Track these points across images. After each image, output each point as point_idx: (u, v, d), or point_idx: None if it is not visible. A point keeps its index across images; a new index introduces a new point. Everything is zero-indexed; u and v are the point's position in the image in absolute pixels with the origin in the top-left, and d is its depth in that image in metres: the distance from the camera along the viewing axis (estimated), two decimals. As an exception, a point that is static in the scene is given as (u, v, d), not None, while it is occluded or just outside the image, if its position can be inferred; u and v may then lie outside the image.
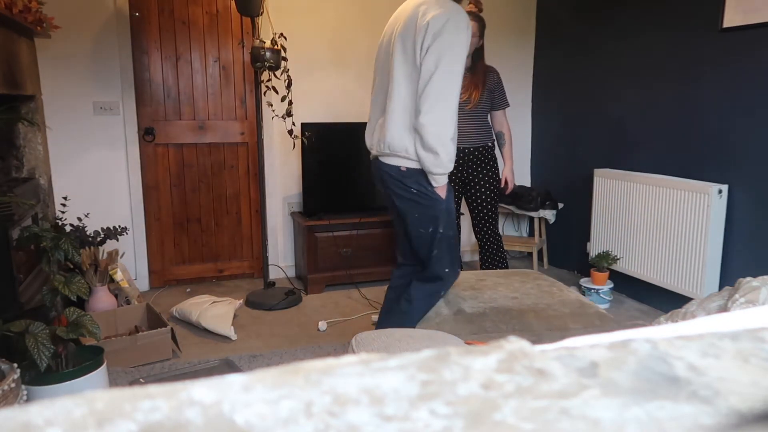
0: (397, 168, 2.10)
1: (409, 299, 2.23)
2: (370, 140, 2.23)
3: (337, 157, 3.75)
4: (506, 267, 3.29)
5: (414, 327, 2.20)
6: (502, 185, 3.30)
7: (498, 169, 3.25)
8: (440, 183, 2.06)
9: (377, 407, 0.27)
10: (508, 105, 3.26)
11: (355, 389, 0.28)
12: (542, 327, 2.14)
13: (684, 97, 3.12)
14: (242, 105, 3.84)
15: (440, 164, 2.00)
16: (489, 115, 3.22)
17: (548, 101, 4.29)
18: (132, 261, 3.66)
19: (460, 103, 3.03)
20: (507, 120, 3.27)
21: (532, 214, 3.99)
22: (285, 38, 3.25)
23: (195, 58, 3.69)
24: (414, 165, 2.06)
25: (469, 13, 3.02)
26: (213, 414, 0.26)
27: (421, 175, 2.06)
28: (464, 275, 2.61)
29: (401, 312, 2.24)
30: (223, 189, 3.87)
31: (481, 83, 3.11)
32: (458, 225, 3.30)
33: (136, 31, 3.54)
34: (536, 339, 2.03)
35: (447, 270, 2.21)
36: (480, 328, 2.13)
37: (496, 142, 3.27)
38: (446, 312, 2.22)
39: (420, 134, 1.99)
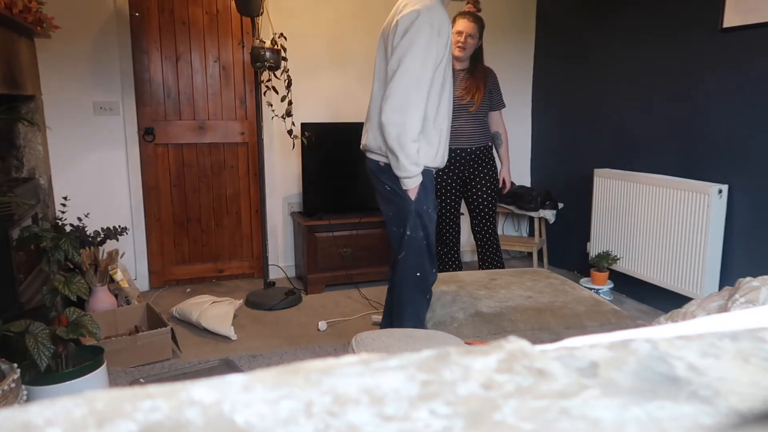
0: (377, 163, 2.10)
1: (398, 317, 2.18)
2: (362, 136, 2.24)
3: (337, 157, 3.75)
4: (503, 267, 3.29)
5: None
6: (500, 185, 3.30)
7: (496, 170, 3.25)
8: (407, 186, 2.01)
9: (377, 407, 0.27)
10: (504, 105, 3.26)
11: (355, 389, 0.28)
12: (560, 325, 2.14)
13: (684, 97, 3.12)
14: (242, 105, 3.84)
15: (401, 168, 1.95)
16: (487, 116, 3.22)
17: (548, 101, 4.29)
18: (132, 261, 3.66)
19: (463, 105, 3.05)
20: (503, 120, 3.28)
21: (532, 214, 3.99)
22: (285, 38, 3.26)
23: (195, 58, 3.69)
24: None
25: (468, 13, 3.02)
26: (213, 414, 0.26)
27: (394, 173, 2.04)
28: (476, 274, 2.62)
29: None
30: (223, 189, 3.87)
31: (482, 84, 3.11)
32: (458, 225, 3.30)
33: (136, 31, 3.54)
34: (555, 337, 2.02)
35: (418, 274, 2.13)
36: (499, 328, 2.12)
37: (492, 143, 3.27)
38: (462, 316, 2.21)
39: (382, 135, 1.96)
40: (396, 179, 2.03)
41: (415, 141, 1.93)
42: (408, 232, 2.08)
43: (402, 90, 1.89)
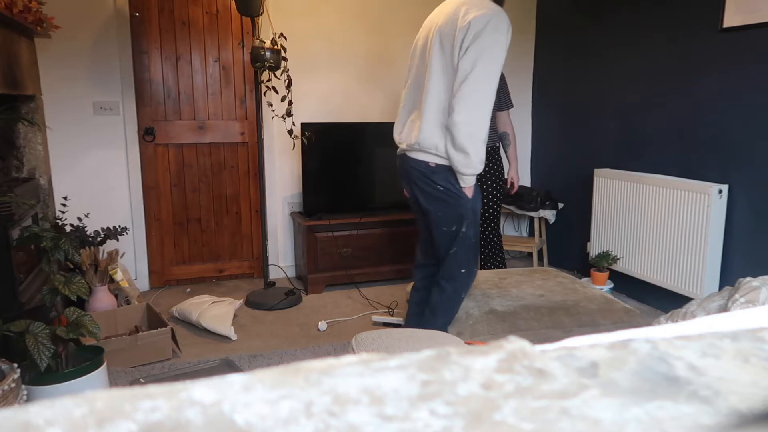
0: (426, 164, 2.08)
1: (432, 309, 2.21)
2: (399, 135, 2.22)
3: (337, 157, 3.76)
4: (505, 267, 3.29)
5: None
6: (508, 185, 3.30)
7: (503, 170, 3.25)
8: (468, 183, 2.05)
9: (377, 407, 0.27)
10: (512, 105, 3.26)
11: (355, 389, 0.28)
12: (573, 324, 2.15)
13: (684, 97, 3.12)
14: (242, 105, 3.84)
15: (470, 164, 1.98)
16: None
17: (548, 101, 4.29)
18: (132, 261, 3.66)
19: None
20: (511, 121, 3.28)
21: (532, 214, 3.99)
22: (285, 38, 3.26)
23: (195, 58, 3.69)
24: (443, 162, 2.04)
25: None
26: (213, 414, 0.26)
27: (449, 172, 2.05)
28: (486, 274, 2.64)
29: (426, 321, 2.22)
30: (223, 189, 3.87)
31: None
32: None
33: (136, 31, 3.54)
34: (569, 336, 2.04)
35: (463, 270, 2.17)
36: (513, 326, 2.14)
37: (500, 143, 3.27)
38: (477, 313, 2.23)
39: (452, 133, 1.97)
40: (451, 178, 2.05)
41: (485, 140, 1.99)
42: (463, 230, 2.11)
43: (476, 90, 1.93)
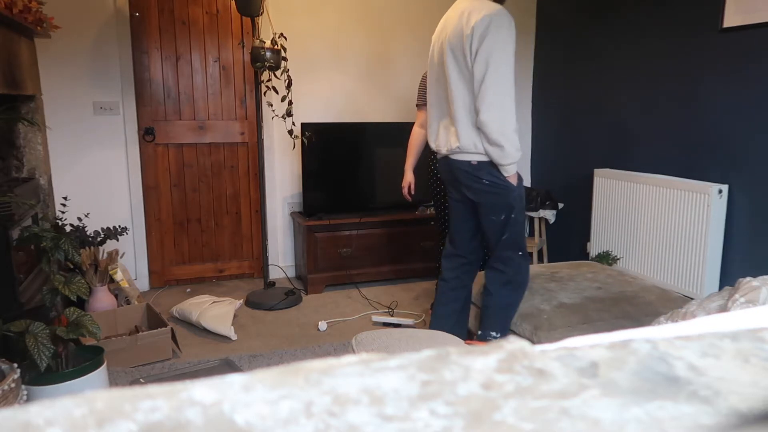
0: (469, 162, 2.20)
1: (489, 292, 2.32)
2: (436, 142, 2.34)
3: (337, 157, 3.75)
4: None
5: (508, 324, 2.30)
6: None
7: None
8: (510, 173, 2.17)
9: (377, 407, 0.27)
10: None
11: (355, 389, 0.28)
12: (639, 313, 2.23)
13: (684, 97, 3.12)
14: (242, 105, 3.84)
15: (506, 155, 2.11)
16: None
17: (548, 101, 4.28)
18: (132, 261, 3.66)
19: None
20: None
21: (532, 214, 3.99)
22: (285, 38, 3.25)
23: (195, 58, 3.69)
24: (484, 158, 2.16)
25: None
26: (213, 414, 0.26)
27: (491, 166, 2.17)
28: (536, 269, 2.70)
29: (483, 306, 2.34)
30: (223, 189, 3.87)
31: None
32: None
33: (136, 31, 3.54)
34: (638, 324, 2.14)
35: (520, 253, 2.29)
36: (586, 318, 2.22)
37: None
38: (548, 307, 2.30)
39: (483, 132, 2.10)
40: (494, 171, 2.18)
41: (516, 130, 2.11)
42: (513, 216, 2.23)
43: (495, 88, 2.05)
